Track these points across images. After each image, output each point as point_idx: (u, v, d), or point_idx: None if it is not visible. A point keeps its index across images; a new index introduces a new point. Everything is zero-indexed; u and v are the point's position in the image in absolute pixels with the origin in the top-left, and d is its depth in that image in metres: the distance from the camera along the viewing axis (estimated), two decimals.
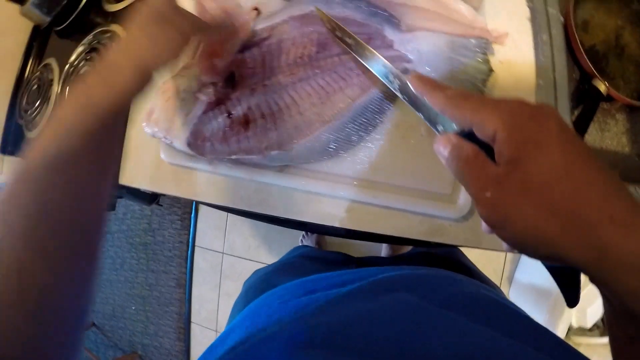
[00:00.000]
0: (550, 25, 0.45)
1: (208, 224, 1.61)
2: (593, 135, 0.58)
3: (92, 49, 0.73)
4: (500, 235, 0.24)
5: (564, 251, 0.22)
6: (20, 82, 0.87)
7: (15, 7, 0.81)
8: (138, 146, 0.52)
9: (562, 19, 0.46)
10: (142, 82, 0.32)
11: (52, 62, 0.83)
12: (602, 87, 0.54)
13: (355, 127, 0.44)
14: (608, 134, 0.58)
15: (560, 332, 0.91)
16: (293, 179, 0.45)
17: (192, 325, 1.63)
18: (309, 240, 1.45)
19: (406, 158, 0.44)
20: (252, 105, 0.45)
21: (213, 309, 1.60)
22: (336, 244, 1.44)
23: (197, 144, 0.46)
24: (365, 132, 0.44)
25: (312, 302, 0.32)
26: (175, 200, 1.62)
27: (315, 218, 0.45)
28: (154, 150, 0.52)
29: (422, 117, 0.31)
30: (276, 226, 0.54)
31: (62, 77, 0.77)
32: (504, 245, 0.26)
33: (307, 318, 0.27)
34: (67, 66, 0.77)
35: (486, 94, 0.44)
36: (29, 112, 0.81)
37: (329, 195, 0.44)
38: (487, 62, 0.43)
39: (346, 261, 0.63)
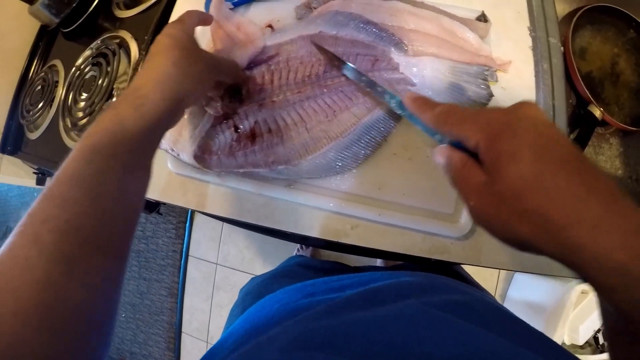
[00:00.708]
0: (551, 55, 0.47)
1: (203, 234, 1.60)
2: None
3: (99, 54, 0.74)
4: (491, 235, 0.27)
5: (541, 248, 0.24)
6: (24, 81, 0.87)
7: (24, 5, 0.81)
8: None
9: (562, 48, 0.48)
10: (173, 115, 0.32)
11: (58, 63, 0.83)
12: (597, 112, 0.56)
13: (362, 145, 0.45)
14: (602, 157, 0.61)
15: None
16: (300, 194, 0.46)
17: (183, 336, 1.60)
18: (304, 253, 1.45)
19: (411, 178, 0.45)
20: (260, 120, 0.46)
21: (204, 319, 1.57)
22: (334, 256, 1.44)
23: (204, 158, 0.47)
24: (371, 150, 0.45)
25: (312, 306, 0.32)
26: (171, 209, 1.61)
27: (321, 233, 0.45)
28: (162, 160, 0.52)
29: (422, 129, 0.33)
30: (271, 239, 0.54)
31: (68, 79, 0.78)
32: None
33: (307, 321, 0.27)
34: (73, 69, 0.78)
35: None
36: (31, 113, 0.80)
37: (335, 212, 0.45)
38: (487, 87, 0.45)
39: (343, 270, 0.63)
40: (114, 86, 0.70)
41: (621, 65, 0.61)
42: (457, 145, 0.29)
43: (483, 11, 0.47)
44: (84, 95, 0.73)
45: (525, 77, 0.46)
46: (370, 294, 0.31)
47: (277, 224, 0.48)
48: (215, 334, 1.55)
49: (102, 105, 0.69)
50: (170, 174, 0.52)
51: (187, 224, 1.59)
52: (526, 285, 1.11)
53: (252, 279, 0.64)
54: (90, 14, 0.78)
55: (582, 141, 0.57)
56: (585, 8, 0.59)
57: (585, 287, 0.87)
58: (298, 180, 0.47)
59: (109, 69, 0.71)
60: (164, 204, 0.63)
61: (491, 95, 0.45)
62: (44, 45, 0.87)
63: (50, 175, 0.85)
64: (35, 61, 0.88)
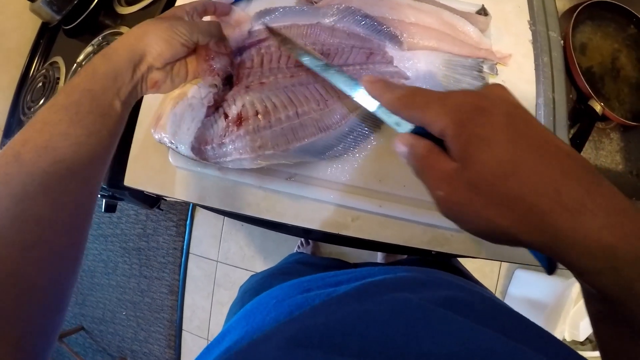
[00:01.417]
0: (551, 48, 0.47)
1: (203, 231, 1.60)
2: (588, 153, 0.60)
3: (99, 50, 0.74)
4: (461, 227, 0.25)
5: (520, 237, 0.22)
6: (25, 78, 0.87)
7: (25, 3, 0.81)
8: (146, 149, 0.53)
9: (562, 42, 0.48)
10: (135, 61, 0.35)
11: (59, 60, 0.83)
12: (597, 107, 0.56)
13: (353, 137, 0.45)
14: (603, 152, 0.61)
15: None
16: (301, 186, 0.46)
17: (184, 333, 1.60)
18: (305, 250, 1.45)
19: (411, 171, 0.45)
20: (247, 103, 0.44)
21: (205, 317, 1.57)
22: (334, 253, 1.44)
23: (200, 149, 0.46)
24: (362, 142, 0.45)
25: (308, 302, 0.32)
26: (171, 206, 1.61)
27: (322, 226, 0.46)
28: (163, 153, 0.52)
29: (385, 121, 0.31)
30: (271, 236, 0.54)
31: (69, 76, 0.78)
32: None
33: (303, 318, 0.27)
34: (74, 66, 0.78)
35: None
36: (32, 109, 0.80)
37: (336, 204, 0.45)
38: (482, 79, 0.45)
39: (341, 266, 0.63)
40: None
41: (622, 61, 0.61)
42: (420, 132, 0.27)
43: (483, 5, 0.48)
44: None
45: (526, 70, 0.47)
46: (366, 288, 0.31)
47: (278, 216, 0.48)
48: (216, 332, 1.54)
49: None
50: (172, 168, 0.52)
51: (188, 222, 1.59)
52: (527, 281, 1.11)
53: (252, 276, 0.64)
54: (92, 10, 0.78)
55: (582, 136, 0.57)
56: (586, 4, 0.59)
57: None
58: (299, 172, 0.47)
59: None
60: (165, 199, 0.63)
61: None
62: (45, 42, 0.87)
63: None
64: (37, 58, 0.88)
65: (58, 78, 0.81)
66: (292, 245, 1.47)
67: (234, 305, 0.55)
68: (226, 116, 0.45)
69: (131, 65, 0.35)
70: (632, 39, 0.62)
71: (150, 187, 0.53)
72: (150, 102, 0.54)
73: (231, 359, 0.24)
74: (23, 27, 0.87)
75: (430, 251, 0.45)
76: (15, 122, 0.84)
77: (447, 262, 0.60)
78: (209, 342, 0.36)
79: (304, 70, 0.45)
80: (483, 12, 0.47)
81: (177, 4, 0.61)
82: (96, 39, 0.77)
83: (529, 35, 0.48)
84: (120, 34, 0.74)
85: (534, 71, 0.47)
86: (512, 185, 0.22)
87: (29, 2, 0.81)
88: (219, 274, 1.56)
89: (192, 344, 1.59)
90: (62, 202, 0.28)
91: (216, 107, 0.46)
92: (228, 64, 0.45)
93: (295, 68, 0.46)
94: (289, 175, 0.47)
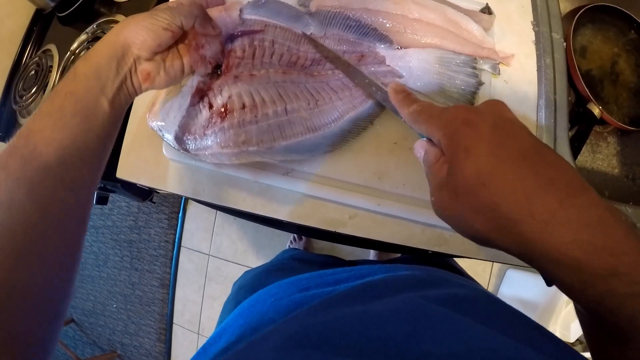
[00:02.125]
0: (554, 50, 0.47)
1: (196, 224, 1.58)
2: (585, 156, 0.61)
3: (94, 38, 0.72)
4: (453, 229, 0.28)
5: (499, 243, 0.24)
6: (17, 66, 0.85)
7: None
8: (139, 140, 0.51)
9: (564, 44, 0.48)
10: (118, 58, 0.34)
11: (53, 48, 0.81)
12: (596, 110, 0.56)
13: (341, 136, 0.44)
14: (599, 155, 0.61)
15: None
16: (298, 182, 0.45)
17: (174, 327, 1.59)
18: (297, 245, 1.45)
19: (411, 168, 0.44)
20: (234, 94, 0.42)
21: (196, 311, 1.57)
22: (327, 249, 1.44)
23: (182, 139, 0.45)
24: (353, 139, 0.45)
25: (307, 301, 0.32)
26: (164, 198, 1.60)
27: (318, 223, 0.45)
28: (156, 145, 0.51)
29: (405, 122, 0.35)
30: (264, 230, 0.54)
31: (62, 64, 0.76)
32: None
33: (301, 317, 0.27)
34: (67, 54, 0.76)
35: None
36: (24, 98, 0.79)
37: (333, 201, 0.45)
38: (475, 75, 0.45)
39: (337, 263, 0.63)
40: None
41: (621, 65, 0.62)
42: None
43: (487, 3, 0.47)
44: None
45: (528, 70, 0.46)
46: (366, 288, 0.31)
47: (274, 212, 0.47)
48: (207, 326, 1.55)
49: None
50: (165, 161, 0.51)
51: (180, 214, 1.58)
52: (518, 281, 1.12)
53: (246, 272, 0.63)
54: None
55: (580, 139, 0.57)
56: (587, 7, 0.59)
57: None
58: (295, 168, 0.46)
59: None
60: (157, 192, 0.61)
61: (480, 83, 0.45)
62: (38, 29, 0.85)
63: None
64: (30, 46, 0.86)
65: (51, 66, 0.79)
66: (285, 240, 1.47)
67: (228, 302, 0.54)
68: (211, 106, 0.43)
69: (114, 61, 0.34)
70: (632, 44, 0.62)
71: (143, 180, 0.52)
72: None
73: (230, 358, 0.24)
74: (16, 13, 0.85)
75: (427, 250, 0.45)
76: (6, 110, 0.82)
77: (443, 261, 0.60)
78: (205, 341, 0.35)
79: (297, 69, 0.45)
80: (487, 10, 0.46)
81: None
82: (91, 27, 0.76)
83: (532, 35, 0.47)
84: (116, 22, 0.72)
85: (536, 72, 0.46)
86: (486, 194, 0.23)
87: None
88: (210, 268, 1.55)
89: (183, 338, 1.58)
90: (51, 210, 0.28)
91: (201, 95, 0.44)
92: (219, 50, 0.43)
93: (288, 66, 0.45)
94: (285, 170, 0.46)
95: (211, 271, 1.55)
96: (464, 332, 0.23)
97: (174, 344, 1.59)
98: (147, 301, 1.61)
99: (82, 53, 0.74)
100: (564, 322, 0.90)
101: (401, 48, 0.45)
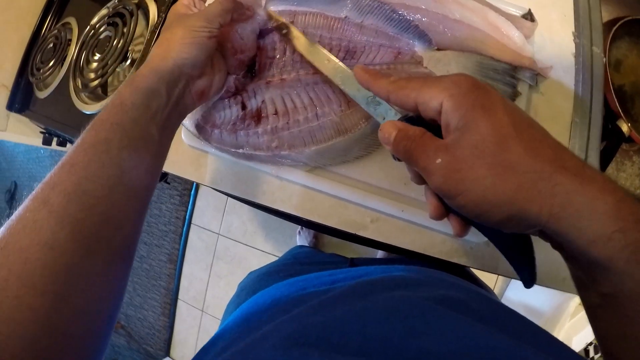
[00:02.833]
0: (593, 65, 0.45)
1: (207, 203, 1.60)
2: (609, 173, 0.59)
3: (116, 14, 0.71)
4: (457, 203, 0.25)
5: (523, 206, 0.23)
6: (36, 38, 0.84)
7: None
8: None
9: (604, 59, 0.47)
10: (170, 85, 0.33)
11: (72, 21, 0.80)
12: (624, 127, 0.55)
13: (374, 139, 0.43)
14: (623, 174, 0.60)
15: None
16: (321, 180, 0.45)
17: (179, 302, 1.63)
18: (306, 234, 1.45)
19: None
20: (267, 99, 0.43)
21: (202, 288, 1.60)
22: (333, 243, 1.45)
23: (205, 129, 0.45)
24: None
25: (304, 300, 0.32)
26: (176, 175, 1.60)
27: (339, 224, 0.45)
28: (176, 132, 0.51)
29: (372, 113, 0.34)
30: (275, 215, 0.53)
31: (82, 38, 0.75)
32: (453, 229, 0.29)
33: (300, 317, 0.27)
34: (87, 28, 0.75)
35: None
36: (41, 71, 0.78)
37: (356, 203, 0.44)
38: (513, 85, 0.43)
39: (340, 263, 0.64)
40: (129, 48, 0.67)
41: None
42: (406, 121, 0.29)
43: (530, 9, 0.45)
44: (97, 56, 0.71)
45: (565, 84, 0.45)
46: (363, 285, 0.31)
47: (293, 209, 0.47)
48: (211, 304, 1.58)
49: (116, 67, 0.67)
50: (184, 146, 0.51)
51: (192, 192, 1.59)
52: (524, 290, 1.11)
53: (250, 273, 0.64)
54: None
55: (607, 155, 0.56)
56: (627, 19, 0.57)
57: None
58: (319, 166, 0.46)
59: (125, 30, 0.69)
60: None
61: (517, 94, 0.43)
62: (58, 1, 0.84)
63: (58, 135, 0.84)
64: (49, 18, 0.85)
65: (70, 40, 0.78)
66: (294, 225, 1.47)
67: (231, 303, 0.55)
68: (243, 106, 0.44)
69: (163, 87, 0.33)
70: None
71: None
72: None
73: (228, 359, 0.24)
74: None
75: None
76: (23, 82, 0.82)
77: (453, 264, 0.60)
78: (205, 343, 0.36)
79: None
80: (530, 17, 0.45)
81: None
82: (112, 2, 0.74)
83: (572, 47, 0.46)
84: None
85: (573, 86, 0.45)
86: (516, 148, 0.23)
87: None
88: (219, 247, 1.58)
89: (187, 314, 1.62)
90: (96, 249, 0.27)
91: (234, 93, 0.45)
92: (255, 51, 0.44)
93: None
94: (309, 167, 0.46)
95: (220, 250, 1.57)
96: (462, 330, 0.23)
97: (177, 320, 1.63)
98: (154, 275, 1.65)
99: (102, 28, 0.72)
100: (567, 335, 0.90)
101: (439, 49, 0.44)
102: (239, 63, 0.43)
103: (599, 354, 0.80)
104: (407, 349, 0.21)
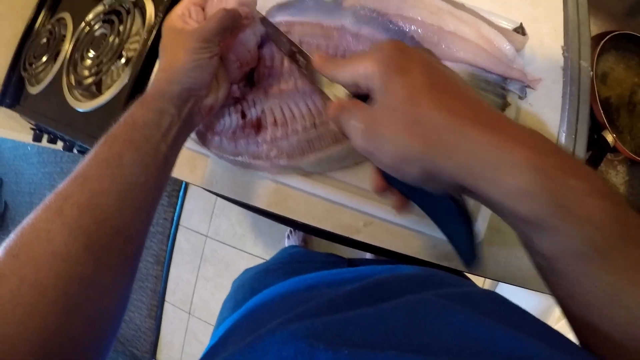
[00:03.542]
0: (581, 78, 0.47)
1: (196, 204, 1.59)
2: None
3: (112, 11, 0.71)
4: (378, 161, 0.26)
5: (433, 160, 0.23)
6: (29, 32, 0.83)
7: None
8: None
9: (591, 73, 0.48)
10: (175, 107, 0.34)
11: (67, 17, 0.79)
12: (610, 138, 0.57)
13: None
14: (608, 183, 0.62)
15: None
16: (317, 185, 0.46)
17: (166, 305, 1.61)
18: (295, 237, 1.46)
19: None
20: (266, 109, 0.44)
21: (189, 291, 1.58)
22: (324, 242, 1.44)
23: (206, 136, 0.46)
24: None
25: (313, 298, 0.32)
26: None
27: (333, 227, 0.46)
28: None
29: (329, 94, 0.35)
30: (264, 218, 0.54)
31: (76, 35, 0.74)
32: (393, 203, 0.31)
33: (308, 313, 0.27)
34: (82, 24, 0.74)
35: None
36: (34, 66, 0.77)
37: (350, 207, 0.45)
38: (503, 97, 0.45)
39: (338, 262, 0.64)
40: (125, 46, 0.67)
41: (639, 96, 0.62)
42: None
43: (521, 23, 0.47)
44: (92, 54, 0.71)
45: (553, 97, 0.47)
46: (374, 287, 0.31)
47: (288, 212, 0.47)
48: (198, 306, 1.56)
49: (110, 65, 0.66)
50: None
51: (181, 193, 1.58)
52: (510, 294, 1.13)
53: (245, 270, 0.64)
54: None
55: (593, 164, 0.58)
56: (614, 33, 0.59)
57: None
58: (315, 170, 0.46)
59: (121, 28, 0.69)
60: None
61: (507, 104, 0.45)
62: None
63: (49, 132, 0.83)
64: (43, 12, 0.84)
65: (64, 35, 0.78)
66: (283, 227, 1.47)
67: (228, 301, 0.54)
68: (243, 115, 0.45)
69: (173, 107, 0.34)
70: None
71: None
72: None
73: (236, 353, 0.24)
74: None
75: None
76: (15, 77, 0.81)
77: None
78: (212, 343, 0.36)
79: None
80: (521, 30, 0.46)
81: None
82: None
83: (561, 61, 0.47)
84: None
85: (561, 99, 0.46)
86: (427, 104, 0.23)
87: None
88: (207, 249, 1.56)
89: (173, 316, 1.60)
90: (106, 261, 0.28)
91: (235, 102, 0.45)
92: (257, 59, 0.44)
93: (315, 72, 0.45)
94: (305, 172, 0.46)
95: (207, 253, 1.56)
96: (464, 324, 0.23)
97: (164, 322, 1.61)
98: (140, 276, 1.62)
99: (97, 25, 0.72)
100: None
101: (442, 59, 0.45)
102: (244, 73, 0.44)
103: None
104: (409, 344, 0.22)
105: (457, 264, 0.44)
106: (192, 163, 0.51)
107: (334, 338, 0.22)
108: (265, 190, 0.48)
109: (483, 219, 0.44)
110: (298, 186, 0.47)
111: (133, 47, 0.68)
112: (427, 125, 0.23)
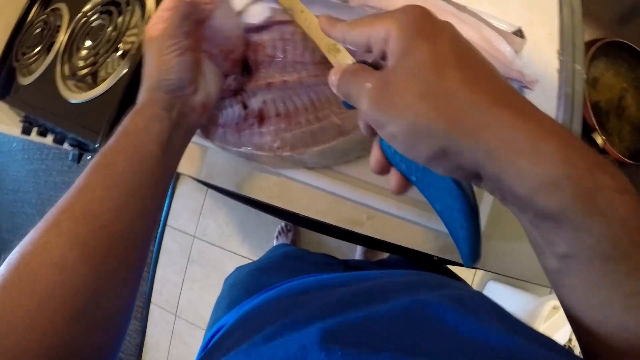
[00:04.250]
0: (575, 81, 0.49)
1: (184, 204, 1.56)
2: None
3: (110, 2, 0.70)
4: (387, 131, 0.23)
5: (457, 137, 0.21)
6: (23, 22, 0.81)
7: None
8: None
9: (585, 76, 0.50)
10: (168, 107, 0.34)
11: (63, 7, 0.77)
12: (599, 140, 0.60)
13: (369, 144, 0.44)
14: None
15: None
16: (319, 178, 0.46)
17: (152, 306, 1.57)
18: (284, 237, 1.45)
19: None
20: (268, 100, 0.43)
21: (175, 292, 1.55)
22: (313, 242, 1.45)
23: (209, 128, 0.45)
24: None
25: (308, 304, 0.32)
26: None
27: (336, 221, 0.46)
28: None
29: (331, 60, 0.34)
30: (252, 218, 0.53)
31: (72, 25, 0.73)
32: (392, 185, 0.30)
33: (304, 319, 0.27)
34: (79, 15, 0.73)
35: None
36: (26, 56, 0.75)
37: (354, 200, 0.46)
38: None
39: (332, 263, 0.64)
40: (122, 39, 0.66)
41: (628, 100, 0.65)
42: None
43: (520, 27, 0.49)
44: (88, 44, 0.69)
45: (549, 98, 0.48)
46: (368, 290, 0.32)
47: (290, 205, 0.47)
48: (185, 308, 1.53)
49: (107, 57, 0.65)
50: None
51: (169, 192, 1.55)
52: (499, 294, 1.16)
53: (238, 268, 0.63)
54: None
55: None
56: (604, 41, 0.62)
57: (557, 303, 0.92)
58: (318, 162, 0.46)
59: (119, 19, 0.67)
60: None
61: None
62: None
63: (38, 124, 0.81)
64: (38, 2, 0.82)
65: (59, 26, 0.76)
66: (272, 228, 1.47)
67: (221, 300, 0.54)
68: (244, 106, 0.44)
69: (163, 112, 0.34)
70: None
71: None
72: None
73: (231, 358, 0.24)
74: None
75: (433, 256, 0.47)
76: (6, 67, 0.79)
77: (438, 265, 0.62)
78: (204, 344, 0.35)
79: (330, 68, 0.45)
80: (520, 33, 0.48)
81: None
82: None
83: (556, 64, 0.49)
84: None
85: (556, 100, 0.48)
86: (454, 77, 0.21)
87: None
88: (194, 250, 1.54)
89: (159, 318, 1.56)
90: (106, 269, 0.28)
91: (234, 92, 0.45)
92: (243, 44, 0.43)
93: (321, 65, 0.44)
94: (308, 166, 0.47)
95: (195, 254, 1.53)
96: (457, 325, 0.23)
97: (150, 323, 1.57)
98: None
99: (94, 16, 0.71)
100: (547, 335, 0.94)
101: None
102: (233, 63, 0.42)
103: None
104: (401, 348, 0.22)
105: (457, 257, 0.44)
106: (190, 155, 0.50)
107: (327, 338, 0.22)
108: (267, 183, 0.48)
109: (482, 212, 0.45)
110: (301, 179, 0.47)
111: (130, 40, 0.67)
112: (454, 100, 0.21)
